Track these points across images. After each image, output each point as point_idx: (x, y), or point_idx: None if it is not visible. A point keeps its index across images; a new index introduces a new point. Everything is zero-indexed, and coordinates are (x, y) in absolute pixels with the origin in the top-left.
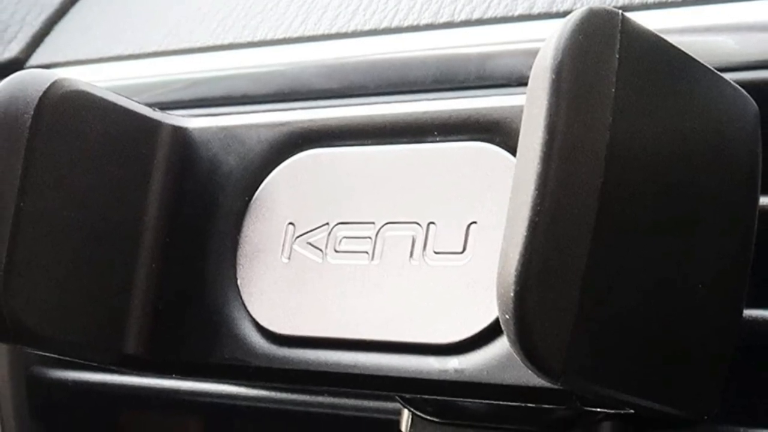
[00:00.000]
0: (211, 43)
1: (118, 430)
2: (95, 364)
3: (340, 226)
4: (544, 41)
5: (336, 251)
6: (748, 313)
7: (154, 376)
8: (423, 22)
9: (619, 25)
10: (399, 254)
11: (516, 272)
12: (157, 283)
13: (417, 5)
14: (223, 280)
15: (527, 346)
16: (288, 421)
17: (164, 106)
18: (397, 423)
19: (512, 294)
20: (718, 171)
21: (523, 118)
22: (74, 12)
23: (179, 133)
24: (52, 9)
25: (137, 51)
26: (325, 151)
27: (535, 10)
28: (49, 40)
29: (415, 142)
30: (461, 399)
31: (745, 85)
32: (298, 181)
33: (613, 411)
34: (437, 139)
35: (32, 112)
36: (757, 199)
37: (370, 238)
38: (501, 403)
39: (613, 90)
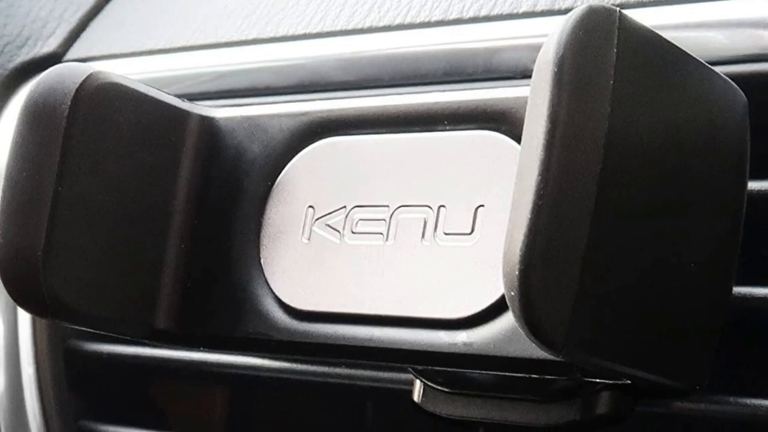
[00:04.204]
0: (236, 38)
1: (149, 399)
2: (128, 338)
3: (356, 209)
4: (547, 37)
5: (353, 232)
6: (738, 290)
7: (183, 349)
8: (434, 18)
9: (617, 21)
10: (411, 235)
11: (521, 252)
12: (186, 262)
13: (428, 3)
14: (247, 260)
15: (531, 321)
16: (307, 391)
17: (192, 97)
18: (410, 393)
19: (517, 272)
20: (709, 158)
21: (528, 108)
22: (109, 9)
23: (206, 122)
24: (88, 6)
25: (167, 46)
26: (343, 139)
27: (539, 8)
28: (85, 36)
29: (426, 131)
30: (470, 370)
31: (735, 77)
32: (317, 167)
33: (611, 381)
34: (447, 127)
35: (69, 103)
36: (745, 184)
37: (384, 220)
38: (506, 374)
39: (612, 82)
